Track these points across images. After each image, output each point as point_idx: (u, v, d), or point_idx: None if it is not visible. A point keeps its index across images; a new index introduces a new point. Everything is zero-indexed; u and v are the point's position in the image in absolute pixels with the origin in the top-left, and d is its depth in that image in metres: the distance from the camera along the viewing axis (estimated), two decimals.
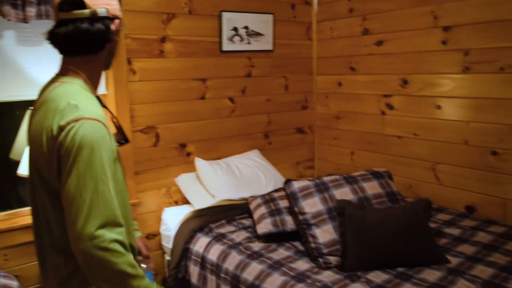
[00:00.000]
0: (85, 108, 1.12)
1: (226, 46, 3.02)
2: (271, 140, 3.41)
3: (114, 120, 1.44)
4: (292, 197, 2.23)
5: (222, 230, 2.44)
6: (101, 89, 2.58)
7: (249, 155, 3.14)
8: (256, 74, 3.24)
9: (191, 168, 2.95)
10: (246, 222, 2.56)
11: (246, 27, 3.09)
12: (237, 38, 3.07)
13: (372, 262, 1.95)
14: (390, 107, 3.05)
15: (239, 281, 2.05)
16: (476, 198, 2.65)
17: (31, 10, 2.14)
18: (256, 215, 2.42)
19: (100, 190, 1.08)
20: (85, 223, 1.05)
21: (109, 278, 1.09)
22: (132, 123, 2.69)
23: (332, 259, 2.03)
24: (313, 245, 2.07)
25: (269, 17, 3.20)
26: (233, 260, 2.16)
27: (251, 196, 2.73)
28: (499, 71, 2.48)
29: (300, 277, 1.91)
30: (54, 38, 1.21)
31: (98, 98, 1.28)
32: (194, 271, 2.36)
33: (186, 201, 2.91)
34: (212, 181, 2.79)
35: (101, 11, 1.19)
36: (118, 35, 1.29)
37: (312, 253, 2.06)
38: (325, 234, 2.07)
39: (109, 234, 1.06)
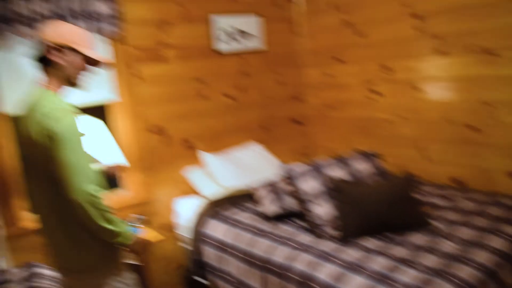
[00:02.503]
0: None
1: (220, 47, 3.25)
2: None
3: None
4: (292, 179, 2.50)
5: (233, 215, 2.74)
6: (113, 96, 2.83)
7: (248, 146, 3.42)
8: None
9: (195, 161, 3.21)
10: (253, 206, 2.84)
11: (236, 28, 3.32)
12: (228, 39, 3.29)
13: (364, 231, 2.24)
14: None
15: (252, 256, 2.34)
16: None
17: None
18: (262, 200, 2.70)
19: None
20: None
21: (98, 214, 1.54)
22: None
23: (331, 231, 2.31)
24: (314, 219, 2.35)
25: (256, 19, 3.44)
26: (244, 239, 2.45)
27: (256, 184, 2.97)
28: None
29: (304, 248, 2.20)
30: None
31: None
32: (209, 252, 2.65)
33: (194, 192, 3.16)
34: (218, 171, 3.06)
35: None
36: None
37: (313, 227, 2.35)
38: (324, 209, 2.36)
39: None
